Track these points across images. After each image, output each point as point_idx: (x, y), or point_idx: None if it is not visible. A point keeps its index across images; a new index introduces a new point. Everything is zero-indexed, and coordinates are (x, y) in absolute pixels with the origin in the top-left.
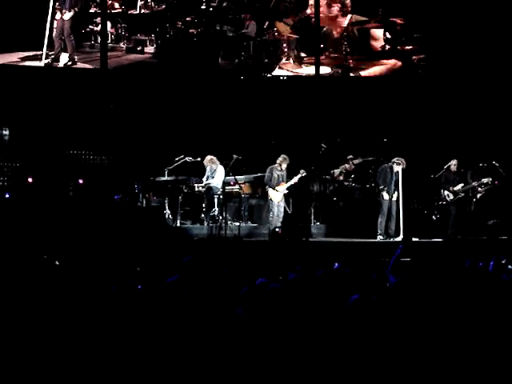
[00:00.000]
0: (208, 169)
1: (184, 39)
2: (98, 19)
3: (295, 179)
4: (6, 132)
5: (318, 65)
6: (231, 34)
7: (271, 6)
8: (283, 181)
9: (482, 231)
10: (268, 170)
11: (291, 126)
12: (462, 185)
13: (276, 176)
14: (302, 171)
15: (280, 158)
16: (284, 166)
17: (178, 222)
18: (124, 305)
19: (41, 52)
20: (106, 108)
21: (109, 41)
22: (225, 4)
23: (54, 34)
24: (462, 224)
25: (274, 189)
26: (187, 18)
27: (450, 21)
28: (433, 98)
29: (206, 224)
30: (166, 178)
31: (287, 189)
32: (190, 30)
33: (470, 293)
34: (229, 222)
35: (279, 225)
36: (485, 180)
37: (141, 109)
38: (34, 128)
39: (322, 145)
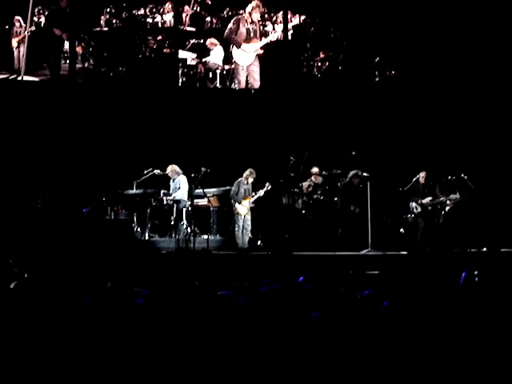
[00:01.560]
0: (172, 180)
1: (157, 59)
2: (63, 35)
3: (261, 192)
4: None
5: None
6: (193, 62)
7: (232, 29)
8: (249, 195)
9: (451, 244)
10: (235, 184)
11: (260, 138)
12: (431, 198)
13: (242, 190)
14: (267, 184)
15: (247, 172)
16: (250, 179)
17: (147, 235)
18: (95, 317)
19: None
20: (74, 120)
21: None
22: (188, 28)
23: (21, 56)
24: (431, 236)
25: (239, 203)
26: (158, 37)
27: (417, 35)
28: (402, 110)
29: (174, 237)
30: (134, 191)
31: (253, 202)
32: (165, 50)
33: (440, 306)
34: (197, 235)
35: (247, 238)
36: (453, 196)
37: (109, 121)
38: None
39: (291, 158)
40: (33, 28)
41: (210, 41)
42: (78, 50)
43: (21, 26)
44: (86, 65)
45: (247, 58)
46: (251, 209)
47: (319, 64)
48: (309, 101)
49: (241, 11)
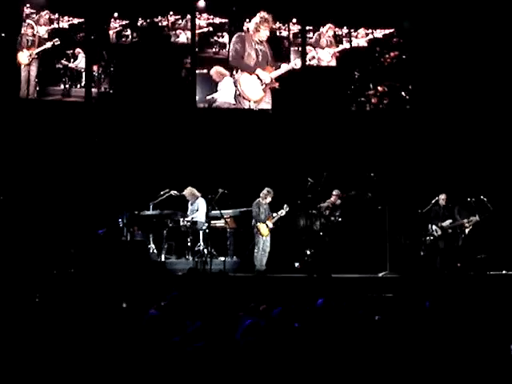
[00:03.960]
0: (190, 202)
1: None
2: (75, 50)
3: (282, 212)
4: None
5: (303, 100)
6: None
7: (237, 50)
8: (269, 215)
9: (470, 266)
10: (254, 205)
11: (277, 160)
12: (451, 221)
13: (263, 210)
14: (285, 206)
15: (264, 192)
16: (268, 199)
17: (163, 256)
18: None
19: None
20: (91, 141)
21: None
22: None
23: (32, 76)
24: (450, 259)
25: (264, 223)
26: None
27: (437, 55)
28: (420, 132)
29: (190, 259)
30: (150, 212)
31: (273, 223)
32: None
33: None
34: (214, 257)
35: (265, 260)
36: (473, 218)
37: (125, 142)
38: (15, 160)
39: (309, 179)
40: (56, 41)
41: (217, 70)
42: (96, 68)
43: (34, 34)
44: (103, 89)
45: (256, 91)
46: (270, 230)
47: (374, 99)
48: (329, 125)
49: (245, 25)
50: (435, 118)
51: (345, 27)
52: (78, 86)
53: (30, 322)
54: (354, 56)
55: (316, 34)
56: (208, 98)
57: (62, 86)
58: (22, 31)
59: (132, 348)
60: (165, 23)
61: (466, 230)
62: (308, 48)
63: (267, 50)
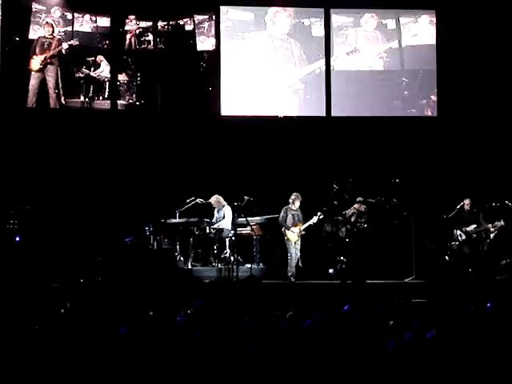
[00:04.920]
0: (216, 210)
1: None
2: (97, 58)
3: (314, 220)
4: None
5: (329, 106)
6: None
7: None
8: (300, 221)
9: (496, 271)
10: (282, 211)
11: (303, 166)
12: (475, 226)
13: (291, 216)
14: (319, 213)
15: (292, 197)
16: (297, 203)
17: (189, 264)
18: (134, 348)
19: None
20: (117, 150)
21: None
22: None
23: (51, 86)
24: (476, 264)
25: (289, 229)
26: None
27: (461, 63)
28: (445, 138)
29: (217, 266)
30: (177, 220)
31: (304, 230)
32: None
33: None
34: (240, 264)
35: (293, 265)
36: (498, 223)
37: (152, 151)
38: (43, 169)
39: (334, 185)
40: (74, 41)
41: None
42: (121, 78)
43: (53, 36)
44: (128, 99)
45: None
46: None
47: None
48: (352, 130)
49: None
50: (460, 124)
51: (392, 15)
52: (101, 97)
53: (58, 330)
54: (408, 56)
55: (353, 31)
56: None
57: (83, 98)
58: (41, 33)
59: (158, 355)
60: (189, 27)
61: (491, 235)
62: (337, 46)
63: (292, 45)
